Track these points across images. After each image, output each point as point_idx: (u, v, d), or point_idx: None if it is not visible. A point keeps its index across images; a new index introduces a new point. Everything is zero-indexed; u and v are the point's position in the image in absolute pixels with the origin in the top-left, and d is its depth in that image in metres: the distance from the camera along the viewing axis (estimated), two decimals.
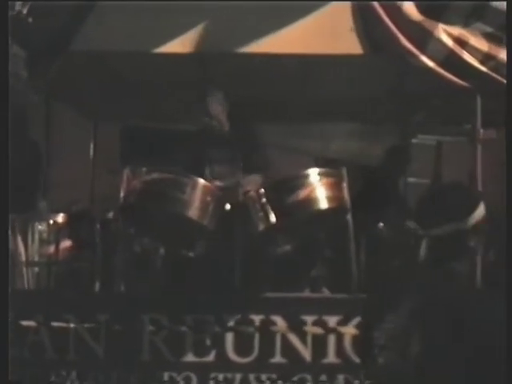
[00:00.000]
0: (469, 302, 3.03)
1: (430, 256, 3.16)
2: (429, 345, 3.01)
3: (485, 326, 2.98)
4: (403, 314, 3.08)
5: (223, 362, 5.22)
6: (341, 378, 5.16)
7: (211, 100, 5.80)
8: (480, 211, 3.13)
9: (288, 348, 5.23)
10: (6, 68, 4.03)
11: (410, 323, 3.05)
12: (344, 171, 5.28)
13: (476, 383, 2.94)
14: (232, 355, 5.23)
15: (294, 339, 5.24)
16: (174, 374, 5.17)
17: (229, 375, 5.21)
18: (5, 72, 3.98)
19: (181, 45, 5.56)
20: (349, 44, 5.54)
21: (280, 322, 5.23)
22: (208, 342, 5.22)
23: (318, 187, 5.10)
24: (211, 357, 5.22)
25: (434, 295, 3.07)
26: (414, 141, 7.83)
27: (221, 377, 5.21)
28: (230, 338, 5.22)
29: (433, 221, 3.14)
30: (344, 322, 5.16)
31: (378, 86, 6.43)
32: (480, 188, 5.62)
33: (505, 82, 5.58)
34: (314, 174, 5.13)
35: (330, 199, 5.12)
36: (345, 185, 5.23)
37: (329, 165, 5.64)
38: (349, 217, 5.24)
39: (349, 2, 5.54)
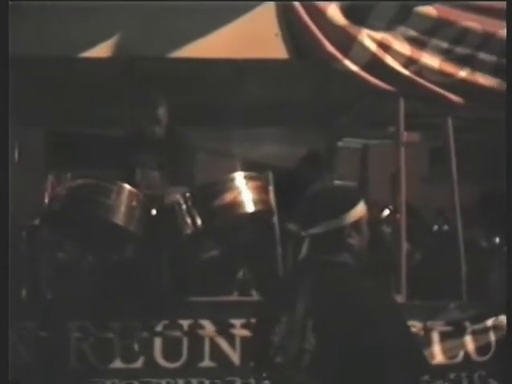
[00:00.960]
0: (359, 297, 3.13)
1: (314, 254, 3.27)
2: (322, 342, 3.09)
3: (376, 321, 3.09)
4: (299, 313, 3.17)
5: (151, 368, 5.24)
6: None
7: (145, 105, 5.79)
8: (359, 209, 3.27)
9: (217, 352, 5.29)
10: (7, 68, 4.03)
11: (304, 321, 3.14)
12: (270, 175, 5.35)
13: (370, 377, 3.03)
14: (160, 360, 5.25)
15: (222, 343, 5.29)
16: (102, 381, 5.17)
17: (157, 381, 5.24)
18: (5, 72, 3.99)
19: (108, 49, 5.53)
20: (274, 49, 5.59)
21: (208, 326, 5.28)
22: (136, 348, 5.23)
23: (244, 191, 5.15)
24: (139, 363, 5.23)
25: (325, 293, 3.17)
26: (339, 144, 7.97)
27: (149, 382, 5.23)
28: (158, 343, 5.25)
29: (311, 221, 3.27)
30: None
31: (304, 90, 6.52)
32: (404, 188, 5.75)
33: (427, 85, 5.77)
34: (239, 177, 5.19)
35: (256, 202, 5.19)
36: (271, 188, 5.30)
37: (256, 169, 5.70)
38: (275, 220, 5.31)
39: (273, 7, 5.60)
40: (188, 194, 5.16)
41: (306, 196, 3.45)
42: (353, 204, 3.29)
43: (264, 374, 3.48)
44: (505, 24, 5.75)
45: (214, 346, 5.27)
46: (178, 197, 5.20)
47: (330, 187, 4.72)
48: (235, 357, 5.28)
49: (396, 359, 3.07)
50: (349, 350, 3.06)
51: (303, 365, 3.16)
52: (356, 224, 3.28)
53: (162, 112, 5.77)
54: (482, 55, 5.78)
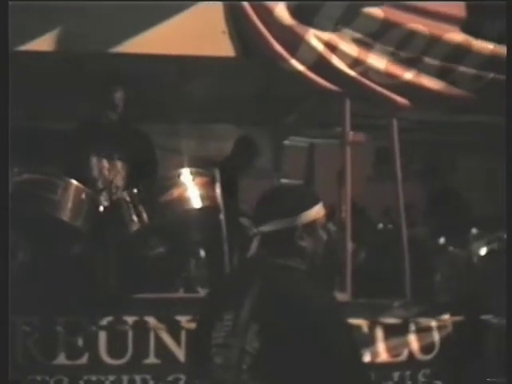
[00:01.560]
0: (306, 304, 3.08)
1: (263, 252, 3.23)
2: (265, 346, 3.07)
3: (321, 328, 3.05)
4: (244, 314, 3.14)
5: (96, 364, 5.24)
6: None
7: (101, 91, 5.75)
8: (314, 211, 3.21)
9: (162, 348, 5.31)
10: (6, 68, 3.99)
11: (248, 323, 3.11)
12: (217, 171, 5.39)
13: (313, 377, 3.01)
14: (105, 357, 5.25)
15: (167, 340, 5.32)
16: (47, 378, 5.16)
17: (102, 377, 5.24)
18: (5, 72, 3.95)
19: (51, 43, 5.49)
20: (221, 46, 5.63)
21: (154, 323, 5.30)
22: (80, 345, 5.24)
23: (191, 187, 5.18)
24: (84, 359, 5.23)
25: (271, 292, 3.14)
26: (286, 143, 8.03)
27: (93, 379, 5.23)
28: (103, 339, 5.25)
29: (263, 217, 3.21)
30: None
31: (251, 88, 6.56)
32: (349, 187, 5.84)
33: (373, 86, 5.86)
34: (186, 173, 5.21)
35: (202, 199, 5.21)
36: (218, 185, 5.34)
37: (203, 165, 5.73)
38: (222, 216, 5.35)
39: (220, 4, 5.64)
40: (135, 190, 5.17)
41: (261, 193, 3.43)
42: (308, 205, 3.22)
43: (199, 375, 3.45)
44: (450, 28, 5.91)
45: (159, 343, 5.30)
46: (125, 193, 5.22)
47: (287, 185, 4.72)
48: (180, 354, 5.31)
49: (339, 367, 3.04)
50: (292, 355, 3.03)
51: (244, 367, 3.12)
52: (310, 226, 3.20)
53: (118, 96, 5.75)
54: (428, 58, 5.89)
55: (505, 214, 4.52)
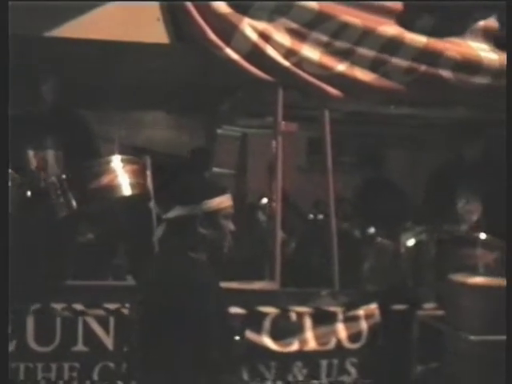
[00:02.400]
0: (192, 290, 3.23)
1: (167, 238, 3.39)
2: (151, 332, 3.22)
3: (207, 317, 3.22)
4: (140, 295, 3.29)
5: (24, 352, 5.22)
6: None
7: (28, 81, 5.67)
8: (218, 201, 3.36)
9: (90, 336, 5.30)
10: (7, 68, 3.96)
11: (142, 311, 3.26)
12: (148, 159, 5.39)
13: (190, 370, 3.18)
14: (33, 344, 5.23)
15: (96, 327, 5.31)
16: None
17: (30, 365, 5.22)
18: (5, 71, 3.92)
19: None
20: (155, 33, 5.62)
21: (82, 310, 5.28)
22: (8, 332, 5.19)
23: (121, 174, 5.17)
24: (12, 346, 5.18)
25: (161, 278, 3.29)
26: (219, 131, 8.05)
27: (22, 366, 5.20)
28: (30, 326, 5.22)
29: (169, 204, 3.36)
30: None
31: (184, 76, 6.55)
32: (280, 177, 5.89)
33: (306, 77, 5.91)
34: (116, 160, 5.20)
35: (133, 186, 5.20)
36: (148, 173, 5.35)
37: (135, 153, 5.72)
38: (152, 204, 5.36)
39: None
40: (64, 176, 5.13)
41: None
42: (211, 194, 3.36)
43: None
44: (384, 20, 5.99)
45: (88, 331, 5.29)
46: (54, 179, 5.17)
47: (194, 175, 4.80)
48: (109, 341, 5.31)
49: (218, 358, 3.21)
50: (171, 343, 3.18)
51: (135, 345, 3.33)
52: (212, 215, 3.35)
53: (50, 83, 5.68)
54: (361, 50, 5.95)
55: (505, 214, 4.59)
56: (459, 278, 5.29)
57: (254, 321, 5.48)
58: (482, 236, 6.03)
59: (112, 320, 5.30)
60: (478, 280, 5.32)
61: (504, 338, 4.78)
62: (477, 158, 7.13)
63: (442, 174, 7.63)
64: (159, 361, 3.23)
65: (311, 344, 5.67)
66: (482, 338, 4.86)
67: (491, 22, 6.25)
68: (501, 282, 5.26)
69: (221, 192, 3.42)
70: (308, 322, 5.67)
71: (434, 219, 6.54)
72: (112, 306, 5.29)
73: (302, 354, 5.63)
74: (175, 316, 3.18)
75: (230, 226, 3.44)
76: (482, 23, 6.23)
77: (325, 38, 5.88)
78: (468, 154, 7.17)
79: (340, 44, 5.91)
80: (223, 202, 3.39)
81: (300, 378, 5.63)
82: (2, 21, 4.03)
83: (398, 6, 5.99)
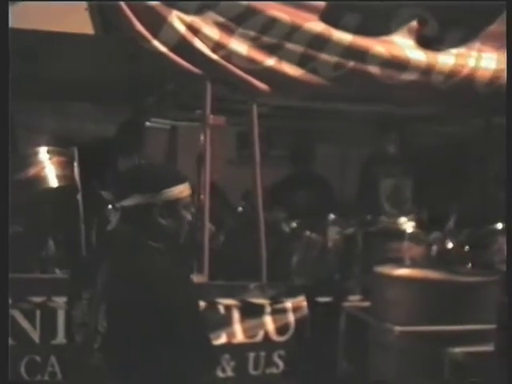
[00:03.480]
0: (153, 279, 3.18)
1: (123, 228, 3.30)
2: (113, 322, 3.16)
3: (171, 312, 3.16)
4: (97, 292, 3.21)
5: None
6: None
7: None
8: (177, 190, 3.30)
9: (16, 329, 5.25)
10: (7, 68, 3.97)
11: (100, 302, 3.19)
12: (75, 151, 5.37)
13: (159, 358, 3.12)
14: None
15: (22, 321, 5.27)
16: None
17: None
18: (5, 70, 3.92)
19: None
20: (83, 23, 5.59)
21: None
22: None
23: (48, 165, 5.15)
24: None
25: (121, 270, 3.22)
26: (147, 124, 8.02)
27: None
28: None
29: (125, 192, 3.29)
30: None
31: (112, 67, 6.52)
32: (208, 170, 5.92)
33: (234, 70, 5.95)
34: (43, 152, 5.17)
35: (59, 178, 5.19)
36: (76, 164, 5.32)
37: (62, 144, 5.67)
38: (79, 196, 5.34)
39: None
40: None
41: (123, 168, 3.47)
42: (170, 183, 3.28)
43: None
44: (311, 17, 6.07)
45: (14, 324, 5.24)
46: None
47: (152, 163, 4.71)
48: (35, 335, 5.28)
49: (186, 348, 3.14)
50: (139, 334, 3.11)
51: (96, 346, 3.19)
52: (171, 205, 3.27)
53: None
54: (289, 45, 6.02)
55: (505, 212, 4.66)
56: (385, 270, 5.40)
57: None
58: (409, 229, 6.17)
59: (38, 313, 5.26)
60: (403, 272, 5.44)
61: (428, 328, 4.95)
62: (401, 151, 7.30)
63: (368, 167, 7.78)
64: (126, 358, 3.17)
65: (239, 337, 5.71)
66: (406, 329, 4.97)
67: (417, 21, 6.38)
68: (425, 273, 5.42)
69: (180, 181, 3.36)
70: (236, 315, 5.71)
71: (363, 212, 6.66)
72: (39, 299, 5.25)
73: (229, 347, 5.67)
74: (138, 307, 3.12)
75: (188, 215, 3.39)
76: (407, 22, 6.36)
77: (253, 33, 5.93)
78: (393, 148, 7.33)
79: (268, 39, 5.97)
80: (183, 191, 3.33)
81: (228, 370, 5.66)
82: (2, 21, 4.07)
83: (322, 4, 6.07)
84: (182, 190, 3.32)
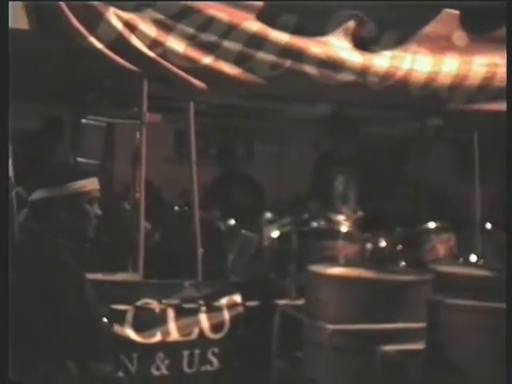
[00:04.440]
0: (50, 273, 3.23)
1: (29, 222, 3.36)
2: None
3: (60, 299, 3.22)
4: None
5: None
6: None
7: None
8: (80, 185, 3.33)
9: None
10: (7, 67, 3.91)
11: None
12: (9, 147, 5.27)
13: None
14: None
15: None
16: None
17: None
18: (5, 70, 3.87)
19: None
20: (19, 19, 5.49)
21: None
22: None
23: None
24: None
25: (22, 262, 3.25)
26: (84, 121, 7.95)
27: None
28: None
29: (33, 186, 3.34)
30: None
31: (49, 64, 6.43)
32: (144, 168, 5.88)
33: (171, 68, 5.91)
34: None
35: None
36: (10, 162, 5.24)
37: None
38: (13, 194, 5.25)
39: None
40: None
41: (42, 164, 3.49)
42: (73, 177, 3.33)
43: None
44: (248, 16, 6.07)
45: None
46: None
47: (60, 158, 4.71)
48: None
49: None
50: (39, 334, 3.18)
51: None
52: (73, 199, 3.32)
53: None
54: (226, 44, 6.02)
55: (506, 213, 4.67)
56: (318, 268, 5.42)
57: (117, 313, 5.45)
58: (344, 229, 6.21)
59: None
60: (337, 271, 5.47)
61: (360, 326, 4.98)
62: (347, 151, 7.35)
63: (318, 166, 7.82)
64: (27, 348, 3.21)
65: (174, 335, 5.69)
66: (338, 327, 4.99)
67: (352, 23, 6.43)
68: (359, 272, 5.45)
69: (85, 175, 3.37)
70: (171, 314, 5.69)
71: (302, 211, 6.69)
72: None
73: (164, 345, 5.65)
74: (38, 302, 3.16)
75: (96, 210, 3.39)
76: (343, 23, 6.41)
77: (191, 31, 5.92)
78: (338, 148, 7.38)
79: (205, 37, 5.96)
80: (86, 185, 3.34)
81: (163, 368, 5.63)
82: (2, 21, 4.02)
83: (260, 3, 6.07)
84: (84, 185, 3.35)
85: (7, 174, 3.90)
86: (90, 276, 5.02)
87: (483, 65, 6.89)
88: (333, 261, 5.89)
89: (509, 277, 4.08)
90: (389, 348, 4.68)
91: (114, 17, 5.69)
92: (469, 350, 4.04)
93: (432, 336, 4.32)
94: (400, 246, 6.27)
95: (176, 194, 7.54)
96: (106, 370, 3.38)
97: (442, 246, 6.43)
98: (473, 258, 6.56)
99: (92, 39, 5.63)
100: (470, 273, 5.77)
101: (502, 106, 6.91)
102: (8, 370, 3.43)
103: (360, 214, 6.68)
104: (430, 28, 6.67)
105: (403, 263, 6.19)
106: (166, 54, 5.89)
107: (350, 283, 5.22)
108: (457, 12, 6.68)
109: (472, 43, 6.83)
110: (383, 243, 6.30)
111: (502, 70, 6.89)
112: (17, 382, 4.70)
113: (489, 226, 7.19)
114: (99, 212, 3.41)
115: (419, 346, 4.45)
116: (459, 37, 6.77)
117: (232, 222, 6.62)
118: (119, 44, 5.71)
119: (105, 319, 3.47)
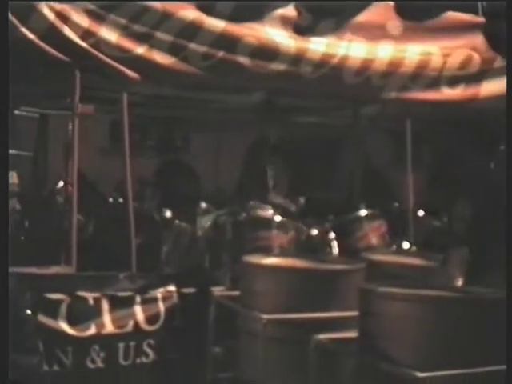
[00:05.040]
0: None
1: None
2: None
3: None
4: None
5: None
6: None
7: None
8: None
9: None
10: (7, 68, 3.91)
11: None
12: None
13: None
14: None
15: None
16: None
17: None
18: (5, 71, 3.87)
19: None
20: None
21: None
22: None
23: None
24: None
25: None
26: (16, 112, 7.83)
27: None
28: None
29: None
30: None
31: None
32: (77, 160, 5.82)
33: (104, 58, 5.87)
34: None
35: None
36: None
37: None
38: None
39: None
40: None
41: None
42: None
43: None
44: (185, 5, 6.04)
45: None
46: None
47: None
48: None
49: None
50: None
51: None
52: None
53: None
54: (160, 34, 6.00)
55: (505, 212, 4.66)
56: (253, 258, 5.44)
57: (50, 306, 5.40)
58: (277, 218, 6.23)
59: None
60: (270, 261, 5.49)
61: (294, 316, 5.02)
62: (279, 140, 7.37)
63: (250, 156, 7.83)
64: None
65: (108, 327, 5.66)
66: (273, 317, 5.01)
67: (289, 10, 6.45)
68: (292, 262, 5.49)
69: None
70: (105, 306, 5.66)
71: (237, 201, 6.70)
72: None
73: (99, 338, 5.62)
74: None
75: (15, 205, 3.37)
76: (280, 10, 6.42)
77: (123, 21, 5.88)
78: (272, 138, 7.40)
79: (139, 27, 5.93)
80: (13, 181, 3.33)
81: (98, 361, 5.60)
82: (2, 21, 4.05)
83: None
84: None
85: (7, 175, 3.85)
86: (25, 270, 5.03)
87: (417, 53, 6.96)
88: (267, 251, 5.90)
89: (509, 275, 4.12)
90: (322, 337, 4.72)
91: (46, 7, 5.64)
92: (400, 338, 4.09)
93: (364, 324, 4.36)
94: (332, 235, 6.30)
95: (112, 186, 7.49)
96: (32, 362, 3.35)
97: (373, 233, 6.48)
98: (405, 245, 6.61)
99: (24, 30, 5.57)
100: (402, 261, 5.84)
101: (435, 94, 7.05)
102: (8, 369, 3.39)
103: (294, 202, 6.71)
104: (365, 16, 6.73)
105: (336, 252, 6.23)
106: (99, 44, 5.86)
107: (284, 273, 5.25)
108: (391, 2, 6.75)
109: (407, 32, 6.90)
110: (315, 232, 6.32)
111: (436, 59, 7.00)
112: (17, 381, 4.67)
113: (421, 213, 7.26)
114: (18, 207, 3.38)
115: (352, 334, 4.50)
116: (394, 26, 6.83)
117: (168, 213, 6.60)
118: (51, 34, 5.68)
119: (28, 311, 3.44)
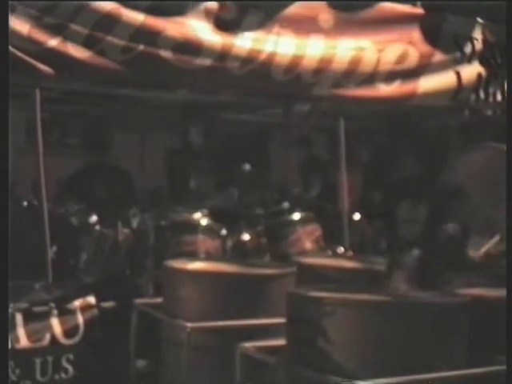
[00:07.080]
0: None
1: None
2: None
3: None
4: None
5: None
6: None
7: None
8: None
9: None
10: (7, 67, 3.93)
11: None
12: None
13: None
14: None
15: None
16: None
17: None
18: (5, 70, 3.89)
19: None
20: None
21: None
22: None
23: None
24: None
25: None
26: None
27: None
28: None
29: None
30: None
31: None
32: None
33: (14, 52, 5.77)
34: None
35: None
36: None
37: None
38: None
39: None
40: None
41: None
42: None
43: None
44: None
45: None
46: None
47: None
48: None
49: None
50: None
51: None
52: None
53: None
54: (74, 26, 5.92)
55: (505, 212, 4.62)
56: (177, 264, 5.40)
57: None
58: (203, 222, 6.20)
59: None
60: (195, 266, 5.47)
61: (219, 324, 5.00)
62: (204, 141, 7.34)
63: (173, 158, 7.79)
64: None
65: (23, 341, 5.56)
66: (197, 325, 4.98)
67: (213, 3, 6.42)
68: (218, 267, 5.47)
69: None
70: (19, 318, 5.56)
71: (161, 204, 6.65)
72: None
73: (13, 353, 5.51)
74: None
75: None
76: (204, 3, 6.39)
77: (34, 12, 5.79)
78: (195, 138, 7.35)
79: (51, 18, 5.84)
80: None
81: (13, 378, 5.50)
82: (2, 21, 4.07)
83: None
84: None
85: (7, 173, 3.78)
86: None
87: (350, 48, 6.97)
88: (193, 256, 5.87)
89: (508, 275, 4.12)
90: (248, 345, 4.70)
91: None
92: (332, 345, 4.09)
93: (292, 331, 4.36)
94: (264, 239, 6.30)
95: (28, 189, 7.38)
96: None
97: (307, 237, 6.50)
98: (340, 249, 6.64)
99: None
100: (335, 264, 5.86)
101: (370, 91, 7.07)
102: (8, 369, 3.33)
103: (221, 206, 6.69)
104: (294, 9, 6.72)
105: (268, 256, 6.23)
106: (9, 36, 5.75)
107: (209, 278, 5.23)
108: None
109: (339, 25, 6.89)
110: (247, 236, 6.32)
111: (370, 54, 7.02)
112: (17, 381, 4.58)
113: (357, 216, 7.29)
114: None
115: (280, 342, 4.48)
116: (325, 19, 6.84)
117: (92, 217, 6.50)
118: None
119: None
